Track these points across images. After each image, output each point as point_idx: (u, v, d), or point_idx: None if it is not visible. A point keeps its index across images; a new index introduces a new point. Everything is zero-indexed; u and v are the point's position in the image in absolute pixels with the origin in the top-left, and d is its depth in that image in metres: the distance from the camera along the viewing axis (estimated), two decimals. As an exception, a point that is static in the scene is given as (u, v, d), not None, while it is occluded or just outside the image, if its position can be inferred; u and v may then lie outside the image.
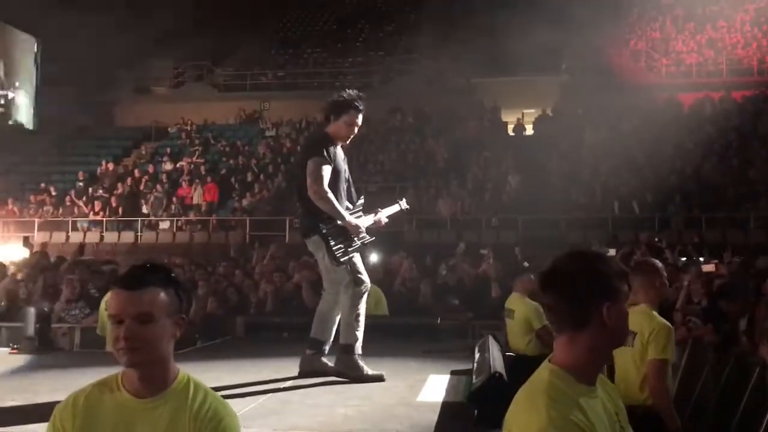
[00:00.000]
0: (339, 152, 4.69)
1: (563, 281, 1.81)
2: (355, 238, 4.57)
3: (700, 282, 7.03)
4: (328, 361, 4.60)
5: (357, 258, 4.63)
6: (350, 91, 4.72)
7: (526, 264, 8.21)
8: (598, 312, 1.77)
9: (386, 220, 4.90)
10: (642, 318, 3.62)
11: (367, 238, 4.68)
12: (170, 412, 1.87)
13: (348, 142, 4.75)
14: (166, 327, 1.88)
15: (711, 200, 15.66)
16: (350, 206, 4.72)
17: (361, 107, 4.65)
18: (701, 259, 10.05)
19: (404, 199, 5.23)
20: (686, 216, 15.44)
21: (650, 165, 16.89)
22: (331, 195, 4.48)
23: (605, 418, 1.77)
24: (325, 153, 4.52)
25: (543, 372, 1.81)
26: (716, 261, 9.29)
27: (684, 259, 10.38)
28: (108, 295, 6.88)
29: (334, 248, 4.48)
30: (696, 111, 19.91)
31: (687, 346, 5.98)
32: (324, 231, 4.48)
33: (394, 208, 5.04)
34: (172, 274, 1.98)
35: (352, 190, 4.83)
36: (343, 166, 4.70)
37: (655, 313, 3.73)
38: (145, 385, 1.88)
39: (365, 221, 4.72)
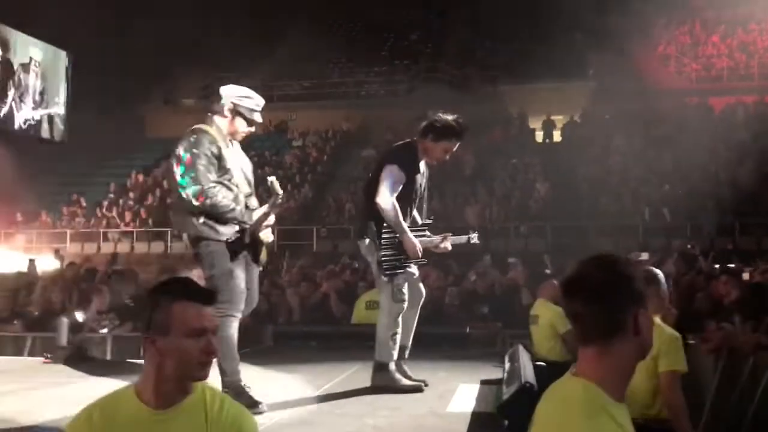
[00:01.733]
0: (422, 167, 4.65)
1: (592, 287, 1.70)
2: (409, 256, 4.48)
3: (735, 289, 6.87)
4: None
5: (404, 275, 4.54)
6: (458, 118, 4.62)
7: (548, 271, 8.11)
8: (631, 319, 1.69)
9: (450, 247, 4.77)
10: None
11: (422, 261, 4.60)
12: (190, 422, 1.87)
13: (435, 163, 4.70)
14: None
15: (745, 207, 15.36)
16: (418, 221, 4.67)
17: (462, 137, 4.61)
18: (732, 266, 9.86)
19: (476, 234, 5.07)
20: (719, 223, 15.18)
21: (681, 171, 16.65)
22: (395, 206, 4.40)
23: None
24: (405, 163, 4.47)
25: (575, 387, 1.70)
26: (751, 269, 9.10)
27: (717, 266, 10.19)
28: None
29: (383, 258, 4.44)
30: (727, 116, 19.61)
31: (722, 355, 5.85)
32: (380, 238, 4.42)
33: (462, 239, 4.92)
34: None
35: (424, 206, 4.79)
36: (420, 181, 4.64)
37: (661, 323, 3.62)
38: (170, 397, 1.87)
39: (426, 242, 4.63)
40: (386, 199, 4.37)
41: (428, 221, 4.77)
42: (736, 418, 5.41)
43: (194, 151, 3.98)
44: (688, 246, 11.63)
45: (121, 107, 24.22)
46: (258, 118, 4.30)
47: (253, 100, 4.27)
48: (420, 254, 4.50)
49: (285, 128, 24.62)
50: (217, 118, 4.21)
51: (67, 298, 8.40)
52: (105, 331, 7.18)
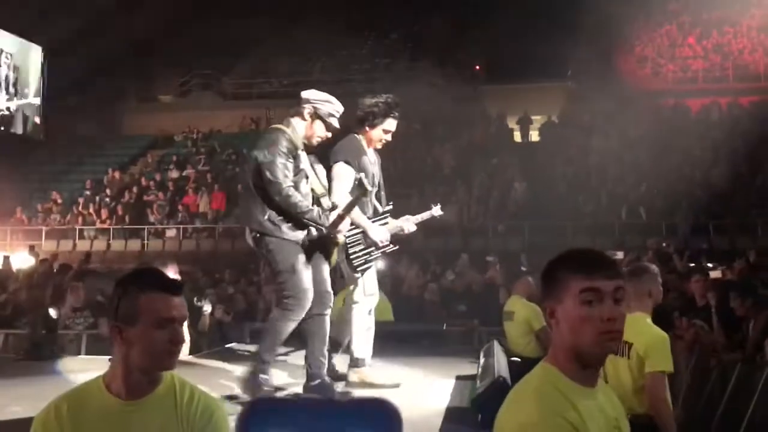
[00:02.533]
0: (371, 156, 4.62)
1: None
2: (378, 246, 4.46)
3: (706, 287, 6.96)
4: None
5: (371, 269, 4.54)
6: (388, 97, 4.61)
7: (523, 268, 8.19)
8: (548, 313, 1.76)
9: (414, 227, 4.77)
10: (637, 327, 3.46)
11: (390, 247, 4.56)
12: (160, 412, 1.86)
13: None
14: None
15: (719, 207, 15.58)
16: (378, 209, 4.65)
17: (397, 113, 4.58)
18: (709, 265, 9.99)
19: (438, 205, 5.02)
20: (694, 222, 15.37)
21: (657, 171, 16.84)
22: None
23: (602, 422, 1.70)
24: (351, 157, 4.47)
25: (536, 369, 1.76)
26: (723, 267, 9.22)
27: (692, 265, 10.31)
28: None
29: (352, 256, 4.42)
30: (703, 117, 19.85)
31: (694, 353, 5.94)
32: (345, 237, 4.38)
33: (425, 215, 4.89)
34: None
35: (382, 194, 4.76)
36: (372, 170, 4.59)
37: (650, 322, 3.60)
38: (141, 388, 1.86)
39: (392, 228, 4.63)
40: (341, 197, 4.37)
41: (388, 207, 4.73)
42: (707, 414, 5.50)
43: (274, 148, 4.02)
44: (663, 245, 11.76)
45: (97, 104, 23.97)
46: (336, 123, 4.33)
47: (333, 106, 4.31)
48: (388, 239, 4.49)
49: (260, 125, 24.51)
50: (295, 121, 4.25)
51: (41, 295, 8.31)
52: (80, 328, 7.11)
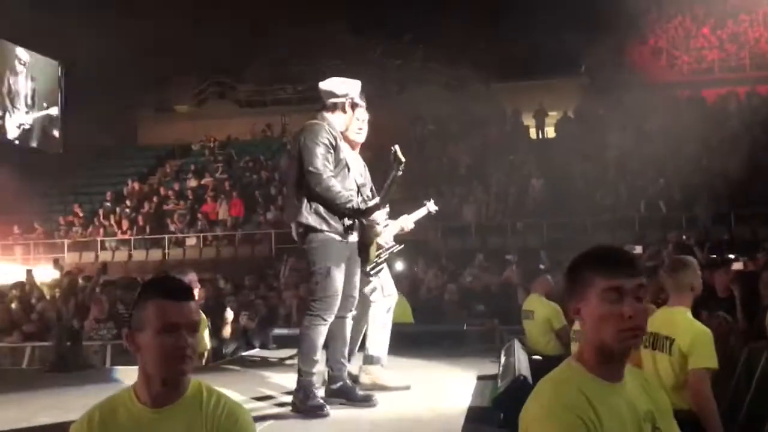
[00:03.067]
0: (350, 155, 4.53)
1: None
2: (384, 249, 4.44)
3: (728, 278, 6.87)
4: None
5: (385, 269, 4.55)
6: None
7: (542, 266, 8.14)
8: (574, 310, 1.80)
9: (412, 225, 4.79)
10: (678, 324, 3.39)
11: (396, 247, 4.55)
12: (186, 419, 1.88)
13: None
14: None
15: (739, 197, 15.40)
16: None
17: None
18: (731, 257, 9.86)
19: (431, 201, 5.02)
20: (714, 213, 15.21)
21: (676, 163, 16.69)
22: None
23: (627, 418, 1.72)
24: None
25: (560, 366, 1.81)
26: (746, 259, 9.10)
27: (714, 257, 10.19)
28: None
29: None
30: (720, 107, 19.65)
31: (719, 346, 5.87)
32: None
33: (421, 212, 4.90)
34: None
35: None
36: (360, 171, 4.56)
37: (691, 317, 3.51)
38: (165, 396, 1.89)
39: (393, 229, 4.65)
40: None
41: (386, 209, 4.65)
42: (733, 407, 5.44)
43: (315, 139, 4.01)
44: (683, 237, 11.65)
45: (115, 115, 24.20)
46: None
47: (357, 87, 4.32)
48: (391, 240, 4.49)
49: (279, 132, 24.63)
50: (328, 115, 4.22)
51: (65, 307, 8.41)
52: (102, 338, 7.19)
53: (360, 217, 4.06)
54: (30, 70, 23.86)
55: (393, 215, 4.64)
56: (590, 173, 17.64)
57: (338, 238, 4.01)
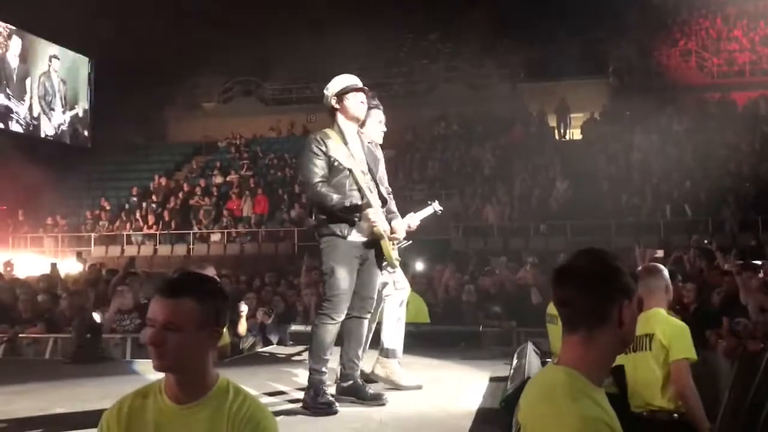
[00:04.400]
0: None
1: (582, 277, 1.77)
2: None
3: (755, 286, 6.78)
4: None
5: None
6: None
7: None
8: (616, 311, 1.75)
9: (417, 223, 4.78)
10: (656, 320, 3.52)
11: (405, 243, 4.61)
12: (208, 417, 1.90)
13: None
14: (196, 338, 1.89)
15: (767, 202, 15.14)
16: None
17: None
18: (758, 263, 9.70)
19: (437, 201, 5.04)
20: (742, 219, 14.96)
21: (703, 167, 16.46)
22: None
23: None
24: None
25: (557, 374, 1.77)
26: (769, 263, 8.94)
27: (740, 262, 10.03)
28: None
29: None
30: (750, 111, 19.34)
31: (738, 352, 5.79)
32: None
33: (426, 211, 4.91)
34: (213, 287, 2.00)
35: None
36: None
37: (667, 314, 3.64)
38: (183, 391, 1.91)
39: (402, 225, 4.66)
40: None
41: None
42: (753, 413, 5.37)
43: (303, 151, 4.18)
44: (705, 242, 11.47)
45: (143, 113, 24.51)
46: (359, 97, 4.30)
47: (343, 80, 4.29)
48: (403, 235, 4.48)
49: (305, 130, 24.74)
50: (335, 118, 4.29)
51: (87, 299, 8.53)
52: (124, 329, 7.28)
53: (350, 215, 4.07)
54: (62, 68, 24.27)
55: (403, 214, 4.65)
56: (615, 176, 17.47)
57: (341, 238, 4.05)
